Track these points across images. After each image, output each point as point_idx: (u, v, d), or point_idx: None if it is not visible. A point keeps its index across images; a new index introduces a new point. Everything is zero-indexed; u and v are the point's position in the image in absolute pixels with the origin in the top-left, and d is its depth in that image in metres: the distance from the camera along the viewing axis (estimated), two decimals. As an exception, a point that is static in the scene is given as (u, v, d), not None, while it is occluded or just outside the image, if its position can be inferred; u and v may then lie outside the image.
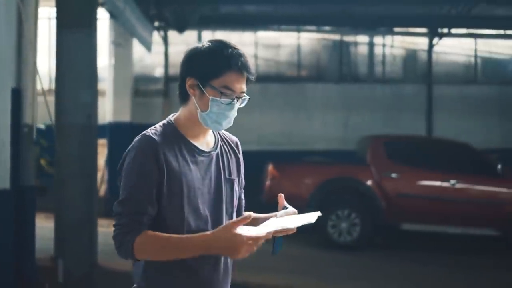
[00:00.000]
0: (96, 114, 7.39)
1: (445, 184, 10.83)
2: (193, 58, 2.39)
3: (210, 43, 2.41)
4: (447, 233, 11.68)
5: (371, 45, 16.28)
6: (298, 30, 15.77)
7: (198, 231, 2.29)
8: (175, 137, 2.37)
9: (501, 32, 16.43)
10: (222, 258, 2.39)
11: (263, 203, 10.74)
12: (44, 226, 8.56)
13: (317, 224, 9.88)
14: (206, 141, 2.46)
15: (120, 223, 2.28)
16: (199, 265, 2.32)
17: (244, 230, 2.18)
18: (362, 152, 11.65)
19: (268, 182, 10.82)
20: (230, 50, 2.37)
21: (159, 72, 15.57)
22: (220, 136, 2.53)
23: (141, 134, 2.36)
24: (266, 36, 15.91)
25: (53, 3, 7.21)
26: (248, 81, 2.40)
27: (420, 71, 16.20)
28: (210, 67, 2.34)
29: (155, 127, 2.40)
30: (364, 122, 15.16)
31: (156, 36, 14.17)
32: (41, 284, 6.95)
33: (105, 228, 8.94)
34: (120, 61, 13.20)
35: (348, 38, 16.19)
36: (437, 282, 8.73)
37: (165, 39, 14.96)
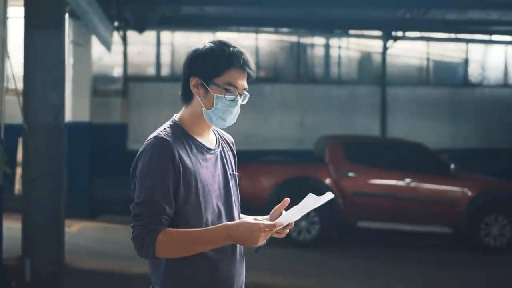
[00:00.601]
0: (63, 114, 7.44)
1: (400, 183, 11.16)
2: (195, 58, 2.51)
3: (211, 44, 2.55)
4: (402, 231, 12.00)
5: (327, 47, 16.58)
6: (257, 32, 15.98)
7: (215, 219, 2.42)
8: (184, 136, 2.47)
9: (452, 35, 16.95)
10: (237, 251, 2.51)
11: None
12: (10, 226, 8.55)
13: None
14: (209, 139, 2.57)
15: (140, 224, 2.36)
16: (219, 258, 2.43)
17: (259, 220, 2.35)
18: (319, 152, 11.88)
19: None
20: (231, 48, 2.50)
21: (118, 72, 15.55)
22: (219, 134, 2.66)
23: (153, 137, 2.44)
24: (225, 37, 16.03)
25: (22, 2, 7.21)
26: (249, 78, 2.53)
27: (374, 73, 16.57)
28: (214, 66, 2.46)
29: (164, 128, 2.48)
30: (320, 122, 15.46)
31: (116, 36, 14.17)
32: (8, 283, 6.98)
33: (68, 228, 8.97)
34: (79, 61, 13.14)
35: (305, 40, 16.46)
36: (394, 278, 8.99)
37: (124, 39, 14.96)
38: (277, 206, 2.54)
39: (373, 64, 16.71)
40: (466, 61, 17.16)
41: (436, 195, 11.21)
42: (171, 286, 2.43)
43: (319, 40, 16.56)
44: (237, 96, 2.48)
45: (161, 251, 2.34)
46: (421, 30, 16.04)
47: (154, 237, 2.34)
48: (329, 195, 2.51)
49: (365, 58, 16.80)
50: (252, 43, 16.07)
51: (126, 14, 13.17)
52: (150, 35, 15.18)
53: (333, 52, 16.55)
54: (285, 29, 16.30)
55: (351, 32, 16.51)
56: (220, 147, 2.59)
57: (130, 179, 2.51)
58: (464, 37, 16.95)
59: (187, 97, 2.54)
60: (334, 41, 16.55)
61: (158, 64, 15.90)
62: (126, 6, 12.78)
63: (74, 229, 10.69)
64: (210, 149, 2.53)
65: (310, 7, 14.19)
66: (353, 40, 16.64)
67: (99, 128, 14.16)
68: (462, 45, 17.08)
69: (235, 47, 2.52)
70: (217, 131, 2.64)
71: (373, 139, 13.86)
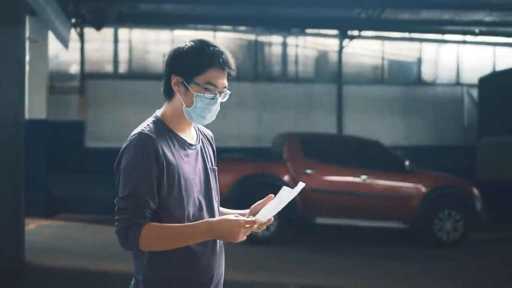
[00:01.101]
0: (24, 111, 7.41)
1: (357, 179, 11.39)
2: (177, 57, 2.55)
3: (192, 43, 2.59)
4: (358, 226, 12.22)
5: (284, 45, 16.74)
6: (214, 30, 16.06)
7: (196, 219, 2.50)
8: (167, 132, 2.53)
9: (406, 35, 17.29)
10: (218, 243, 2.60)
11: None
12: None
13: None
14: (191, 135, 2.63)
15: (124, 217, 2.42)
16: (200, 250, 2.51)
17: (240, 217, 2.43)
18: (278, 149, 12.03)
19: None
20: (211, 48, 2.54)
21: (75, 69, 15.45)
22: (199, 129, 2.72)
23: (137, 133, 2.49)
24: (183, 34, 16.07)
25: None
26: (229, 77, 2.58)
27: (331, 71, 16.80)
28: (194, 65, 2.51)
29: (148, 124, 2.52)
30: (277, 120, 15.62)
31: (73, 33, 14.08)
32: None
33: (25, 226, 8.91)
34: (35, 58, 13.02)
35: (263, 38, 16.60)
36: (352, 272, 9.18)
37: (81, 36, 14.86)
38: (259, 201, 2.61)
39: (329, 62, 16.94)
40: (419, 60, 17.52)
41: (392, 191, 11.45)
42: (154, 276, 2.50)
43: (276, 39, 16.72)
44: (216, 94, 2.53)
45: (145, 244, 2.42)
46: (376, 30, 16.31)
47: (138, 230, 2.41)
48: (301, 185, 2.59)
49: (322, 56, 17.02)
50: (210, 40, 16.13)
51: (83, 11, 13.09)
52: (107, 32, 15.13)
53: (290, 51, 16.72)
54: (242, 28, 16.42)
55: (308, 31, 16.70)
56: (201, 143, 2.66)
57: (114, 174, 2.55)
58: (417, 37, 17.30)
59: (168, 94, 2.58)
60: (291, 40, 16.73)
61: (116, 61, 15.84)
62: (84, 3, 12.73)
63: (31, 227, 10.61)
64: (191, 145, 2.60)
65: (268, 5, 14.33)
66: (310, 39, 16.84)
67: (56, 125, 14.06)
68: (416, 45, 17.43)
69: (215, 46, 2.58)
70: (197, 127, 2.71)
71: (330, 136, 14.07)
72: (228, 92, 2.58)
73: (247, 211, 2.65)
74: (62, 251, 9.19)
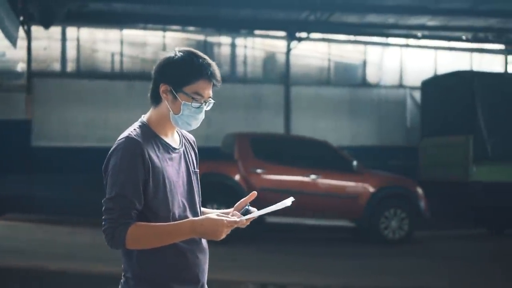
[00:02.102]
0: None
1: (306, 179, 11.61)
2: (167, 66, 2.64)
3: (182, 53, 2.67)
4: (307, 225, 12.45)
5: (233, 46, 16.89)
6: (164, 30, 16.07)
7: (181, 219, 2.62)
8: (152, 137, 2.64)
9: (352, 38, 17.66)
10: (203, 241, 2.72)
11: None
12: None
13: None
14: (174, 139, 2.74)
15: (111, 217, 2.51)
16: (187, 247, 2.63)
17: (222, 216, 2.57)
18: (228, 149, 12.15)
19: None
20: (200, 60, 2.63)
21: (22, 67, 15.24)
22: (182, 134, 2.84)
23: (124, 137, 2.59)
24: (132, 34, 16.04)
25: None
26: (214, 87, 2.69)
27: (278, 72, 17.02)
28: (184, 76, 2.61)
29: (134, 129, 2.63)
30: (226, 120, 15.72)
31: (20, 31, 13.88)
32: None
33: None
34: (-20, 55, 12.84)
35: (212, 39, 16.70)
36: (302, 269, 9.37)
37: (29, 34, 14.67)
38: (243, 199, 2.77)
39: (277, 63, 17.16)
40: (364, 63, 17.91)
41: (340, 191, 11.73)
42: (143, 273, 2.61)
43: (225, 40, 16.85)
44: (202, 104, 2.65)
45: (131, 243, 2.53)
46: (324, 32, 16.62)
47: (124, 229, 2.51)
48: (288, 202, 2.74)
49: (270, 58, 17.23)
50: (159, 41, 16.15)
51: (31, 9, 12.95)
52: (55, 31, 14.99)
53: (239, 52, 16.87)
54: (192, 28, 16.48)
55: (257, 32, 16.88)
56: (183, 147, 2.78)
57: (102, 175, 2.64)
58: (362, 40, 17.68)
59: (155, 100, 2.68)
60: (240, 41, 16.88)
61: (64, 60, 15.70)
62: (33, 1, 12.59)
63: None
64: (175, 149, 2.71)
65: (217, 6, 14.45)
66: (258, 40, 17.03)
67: (1, 124, 13.89)
68: (361, 47, 17.81)
69: (204, 58, 2.68)
70: (180, 131, 2.83)
71: (280, 136, 14.27)
72: (212, 101, 2.69)
73: (229, 210, 2.78)
74: (11, 251, 9.12)
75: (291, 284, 8.01)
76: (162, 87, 2.64)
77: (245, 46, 16.94)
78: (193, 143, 2.89)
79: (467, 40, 17.84)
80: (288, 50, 16.81)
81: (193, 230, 2.54)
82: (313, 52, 17.33)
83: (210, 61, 2.67)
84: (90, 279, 7.87)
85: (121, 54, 15.79)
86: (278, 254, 10.53)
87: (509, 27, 16.81)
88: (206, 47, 16.55)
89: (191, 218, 2.65)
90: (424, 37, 17.50)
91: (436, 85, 15.22)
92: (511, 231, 13.89)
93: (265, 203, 9.79)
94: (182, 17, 15.14)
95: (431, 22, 16.31)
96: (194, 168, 2.80)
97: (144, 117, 2.72)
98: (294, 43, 16.68)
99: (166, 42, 16.16)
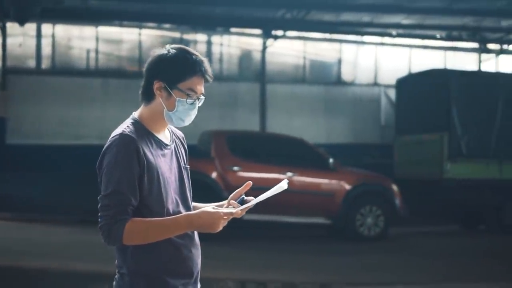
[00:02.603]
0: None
1: (283, 176, 11.61)
2: (160, 63, 2.65)
3: (175, 50, 2.69)
4: (284, 222, 12.48)
5: (209, 43, 16.89)
6: (140, 27, 16.01)
7: (174, 214, 2.63)
8: (145, 133, 2.66)
9: (327, 36, 17.75)
10: (195, 236, 2.75)
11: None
12: None
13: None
14: (165, 135, 2.76)
15: (107, 214, 2.52)
16: (181, 242, 2.66)
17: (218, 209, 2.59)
18: (204, 147, 12.15)
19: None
20: (193, 56, 2.67)
21: (-5, 64, 15.11)
22: (171, 130, 2.86)
23: (118, 134, 2.60)
24: (108, 31, 15.96)
25: None
26: (206, 83, 2.73)
27: (254, 70, 17.06)
28: (178, 73, 2.63)
29: (127, 126, 2.64)
30: (201, 118, 15.54)
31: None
32: None
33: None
34: (-46, 52, 12.69)
35: (188, 36, 16.68)
36: (282, 266, 9.41)
37: (3, 31, 14.52)
38: (237, 190, 2.80)
39: (253, 61, 17.19)
40: (339, 61, 18.02)
41: (316, 188, 11.79)
42: (138, 269, 2.62)
43: (201, 37, 16.85)
44: (195, 100, 2.68)
45: (128, 238, 2.54)
46: (299, 30, 16.69)
47: (121, 226, 2.52)
48: (284, 182, 2.80)
49: (246, 55, 17.26)
50: (135, 38, 16.10)
51: (6, 5, 12.82)
52: (30, 27, 14.86)
53: (215, 49, 16.88)
54: (168, 25, 16.43)
55: (233, 30, 16.90)
56: (174, 143, 2.80)
57: (97, 173, 2.64)
58: (338, 38, 17.79)
59: (148, 97, 2.70)
60: (216, 39, 16.89)
61: (39, 57, 15.58)
62: (8, -3, 12.47)
63: None
64: (167, 145, 2.74)
65: (194, 4, 14.42)
66: (234, 38, 17.06)
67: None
68: (336, 45, 17.92)
69: (196, 55, 2.71)
70: (170, 128, 2.84)
71: (257, 134, 14.30)
72: (203, 97, 2.72)
73: (223, 203, 2.82)
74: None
75: (270, 281, 8.05)
76: (156, 84, 2.65)
77: (221, 44, 16.95)
78: (182, 140, 2.91)
79: (441, 39, 18.05)
80: (264, 48, 16.85)
81: (190, 223, 2.55)
82: (289, 50, 17.40)
83: (202, 57, 2.70)
84: (68, 278, 7.84)
85: (97, 51, 15.70)
86: (256, 251, 10.57)
87: (483, 25, 17.03)
88: (182, 44, 16.45)
89: (186, 212, 2.66)
90: (398, 35, 17.66)
91: (411, 83, 15.35)
92: (484, 227, 14.10)
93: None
94: (158, 15, 15.10)
95: (406, 21, 16.46)
96: (185, 164, 2.83)
97: (135, 114, 2.74)
98: (270, 41, 16.73)
99: (142, 39, 16.12)
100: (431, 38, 18.16)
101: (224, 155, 11.61)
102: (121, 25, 15.94)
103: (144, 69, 2.71)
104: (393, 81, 16.54)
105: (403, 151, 15.00)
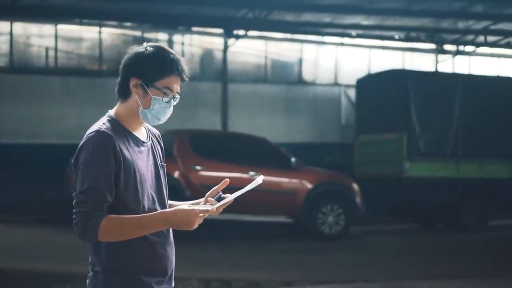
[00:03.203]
0: None
1: (245, 175, 11.66)
2: (138, 61, 2.66)
3: (152, 48, 2.69)
4: (246, 222, 12.50)
5: (170, 42, 16.82)
6: (100, 25, 15.85)
7: (150, 211, 2.64)
8: (122, 130, 2.65)
9: (288, 36, 17.85)
10: (170, 234, 2.76)
11: (70, 195, 10.86)
12: None
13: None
14: (141, 133, 2.76)
15: (83, 210, 2.51)
16: (155, 240, 2.66)
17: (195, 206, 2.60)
18: (166, 146, 12.10)
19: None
20: (171, 55, 2.66)
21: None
22: (147, 128, 2.85)
23: (94, 131, 2.60)
24: (67, 29, 15.77)
25: None
26: (181, 82, 2.73)
27: (216, 70, 17.06)
28: (156, 71, 2.63)
29: (103, 123, 2.63)
30: (164, 117, 15.61)
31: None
32: None
33: None
34: None
35: (149, 35, 16.58)
36: (246, 265, 9.45)
37: (-41, 28, 14.25)
38: (214, 187, 2.79)
39: (215, 61, 17.19)
40: (300, 61, 18.13)
41: (278, 187, 11.84)
42: (112, 266, 2.62)
43: (162, 36, 16.78)
44: (171, 98, 2.68)
45: (104, 235, 2.53)
46: (261, 30, 16.74)
47: (97, 222, 2.51)
48: (260, 179, 2.82)
49: (208, 54, 17.25)
50: (95, 36, 15.94)
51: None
52: (-14, 25, 14.62)
53: (176, 48, 16.81)
54: (128, 24, 16.32)
55: (194, 29, 16.87)
56: (150, 140, 2.80)
57: (72, 169, 2.64)
58: (299, 38, 17.90)
59: (124, 95, 2.70)
60: (177, 37, 16.85)
61: (-4, 55, 15.32)
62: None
63: None
64: (143, 142, 2.74)
65: (154, 2, 14.36)
66: (196, 37, 17.03)
67: None
68: (297, 45, 18.03)
69: (174, 53, 2.71)
70: (146, 126, 2.84)
71: (219, 133, 14.30)
72: (179, 96, 2.73)
73: (200, 200, 2.82)
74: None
75: (234, 280, 8.07)
76: (133, 81, 2.65)
77: (183, 43, 16.91)
78: (158, 137, 2.91)
79: (399, 40, 18.31)
80: (226, 47, 16.87)
81: (166, 221, 2.56)
82: (250, 49, 17.45)
83: (179, 56, 2.70)
84: (30, 278, 7.75)
85: (56, 49, 15.51)
86: (220, 250, 10.58)
87: (441, 27, 17.34)
88: (143, 43, 16.41)
89: (162, 210, 2.67)
90: (358, 36, 17.85)
91: (371, 83, 15.53)
92: (442, 225, 14.36)
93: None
94: (119, 13, 14.97)
95: (365, 22, 16.66)
96: (161, 162, 2.83)
97: (111, 112, 2.73)
98: (231, 41, 16.75)
99: (102, 37, 15.98)
100: (390, 39, 18.41)
101: (186, 155, 11.58)
102: (81, 23, 15.78)
103: (120, 66, 2.71)
104: (353, 81, 16.71)
105: (363, 151, 15.17)
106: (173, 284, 2.79)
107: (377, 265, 9.69)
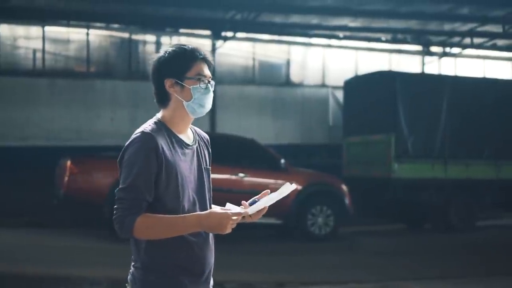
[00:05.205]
0: None
1: (234, 177, 11.68)
2: (163, 63, 2.77)
3: (170, 48, 2.82)
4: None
5: (158, 44, 16.81)
6: (88, 27, 15.81)
7: (190, 212, 2.70)
8: (166, 133, 2.75)
9: (276, 38, 17.88)
10: (210, 235, 2.82)
11: (60, 197, 10.84)
12: None
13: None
14: (188, 136, 2.86)
15: (122, 206, 2.62)
16: (194, 240, 2.73)
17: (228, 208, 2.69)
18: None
19: (66, 178, 10.83)
20: (189, 46, 2.79)
21: None
22: (196, 132, 2.95)
23: (140, 132, 2.70)
24: (55, 30, 15.71)
25: None
26: (209, 68, 2.81)
27: (203, 71, 17.01)
28: (182, 64, 2.74)
29: (149, 125, 2.74)
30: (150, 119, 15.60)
31: None
32: None
33: None
34: None
35: (137, 37, 16.57)
36: (237, 267, 9.45)
37: None
38: (255, 197, 2.85)
39: (201, 62, 17.15)
40: (288, 62, 18.18)
41: (267, 188, 11.83)
42: (151, 264, 2.70)
43: (150, 38, 16.77)
44: (208, 83, 2.77)
45: (139, 232, 2.60)
46: (249, 32, 16.78)
47: (133, 219, 2.59)
48: (292, 186, 2.87)
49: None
50: (83, 38, 15.89)
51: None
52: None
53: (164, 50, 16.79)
54: (116, 25, 16.29)
55: (182, 30, 16.86)
56: (197, 144, 2.89)
57: (118, 167, 2.72)
58: (286, 40, 17.94)
59: (164, 100, 2.80)
60: (165, 39, 16.84)
61: (-17, 57, 15.23)
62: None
63: None
64: (188, 145, 2.82)
65: (142, 4, 14.33)
66: (183, 38, 17.01)
67: None
68: (285, 47, 18.08)
69: (190, 45, 2.82)
70: (194, 130, 2.94)
71: (208, 134, 14.24)
72: (213, 82, 2.82)
73: (236, 207, 2.88)
74: None
75: (226, 282, 8.09)
76: (167, 83, 2.76)
77: (170, 45, 16.87)
78: (206, 142, 3.02)
79: (386, 41, 18.40)
80: (214, 49, 16.86)
81: (199, 222, 2.62)
82: (238, 51, 17.47)
83: (195, 46, 2.81)
84: (20, 282, 7.73)
85: (43, 51, 15.44)
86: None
87: (427, 29, 17.45)
88: (131, 45, 16.42)
89: (198, 212, 2.73)
90: (345, 38, 17.94)
91: (358, 85, 15.60)
92: (430, 225, 14.45)
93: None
94: (106, 14, 14.95)
95: (352, 23, 16.72)
96: (206, 165, 2.92)
97: (158, 115, 2.84)
98: (219, 42, 16.76)
99: (90, 39, 15.94)
100: (376, 41, 18.50)
101: (174, 156, 11.56)
102: (68, 25, 15.72)
103: (150, 77, 2.82)
104: (340, 83, 16.76)
105: (351, 152, 15.24)
106: (210, 284, 2.86)
107: (367, 266, 9.73)
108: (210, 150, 3.02)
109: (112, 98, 15.59)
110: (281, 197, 2.83)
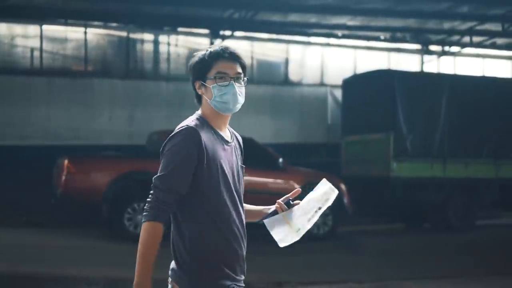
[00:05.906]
0: None
1: (232, 176, 11.65)
2: (191, 67, 2.95)
3: (202, 51, 2.95)
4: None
5: (156, 43, 16.77)
6: (86, 26, 15.76)
7: (230, 202, 2.87)
8: (209, 129, 2.89)
9: (274, 36, 17.84)
10: (243, 229, 3.01)
11: (57, 196, 10.80)
12: None
13: (114, 217, 9.97)
14: (226, 134, 2.99)
15: (155, 195, 2.75)
16: (231, 236, 2.90)
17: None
18: (154, 147, 12.03)
19: (64, 177, 10.80)
20: (215, 47, 2.94)
21: None
22: (232, 131, 3.09)
23: (184, 125, 2.84)
24: (52, 29, 15.67)
25: None
26: (241, 65, 2.95)
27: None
28: (203, 66, 2.90)
29: (193, 120, 2.88)
30: (149, 117, 15.62)
31: None
32: None
33: None
34: None
35: (135, 36, 16.52)
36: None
37: None
38: (285, 196, 3.13)
39: (200, 61, 17.13)
40: (286, 61, 18.14)
41: (265, 187, 11.83)
42: (195, 252, 2.81)
43: (148, 36, 16.72)
44: (230, 81, 2.88)
45: (142, 229, 2.76)
46: (247, 30, 16.73)
47: (151, 218, 2.72)
48: (335, 193, 3.16)
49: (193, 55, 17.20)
50: (81, 36, 15.85)
51: None
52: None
53: (162, 49, 16.78)
54: (114, 24, 16.24)
55: (180, 29, 16.82)
56: (234, 141, 3.04)
57: (160, 155, 2.84)
58: (285, 38, 17.90)
59: (198, 101, 2.99)
60: (163, 38, 16.79)
61: (-19, 55, 15.18)
62: None
63: None
64: (228, 142, 2.96)
65: (140, 3, 14.30)
66: (181, 37, 16.98)
67: None
68: (283, 46, 18.03)
69: (219, 45, 2.96)
70: (230, 129, 3.07)
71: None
72: (242, 75, 2.95)
73: (272, 207, 3.20)
74: None
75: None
76: (196, 85, 2.94)
77: (168, 43, 16.86)
78: (240, 141, 3.15)
79: (385, 40, 18.37)
80: (211, 47, 16.82)
81: (138, 280, 2.73)
82: (236, 50, 17.39)
83: (226, 45, 2.96)
84: (19, 281, 7.70)
85: (41, 50, 15.39)
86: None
87: (426, 27, 17.41)
88: (129, 43, 16.38)
89: (233, 210, 2.93)
90: (344, 36, 17.90)
91: (357, 83, 15.58)
92: (429, 225, 14.42)
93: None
94: (104, 13, 14.91)
95: (351, 22, 16.69)
96: (241, 163, 3.06)
97: (199, 112, 2.97)
98: (217, 41, 16.71)
99: (88, 38, 15.89)
100: (375, 40, 18.47)
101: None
102: (66, 24, 15.66)
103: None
104: (339, 81, 16.74)
105: (350, 151, 15.22)
106: (242, 278, 3.00)
107: (366, 266, 9.71)
108: (242, 150, 3.15)
109: (110, 97, 15.55)
110: (324, 209, 3.10)
